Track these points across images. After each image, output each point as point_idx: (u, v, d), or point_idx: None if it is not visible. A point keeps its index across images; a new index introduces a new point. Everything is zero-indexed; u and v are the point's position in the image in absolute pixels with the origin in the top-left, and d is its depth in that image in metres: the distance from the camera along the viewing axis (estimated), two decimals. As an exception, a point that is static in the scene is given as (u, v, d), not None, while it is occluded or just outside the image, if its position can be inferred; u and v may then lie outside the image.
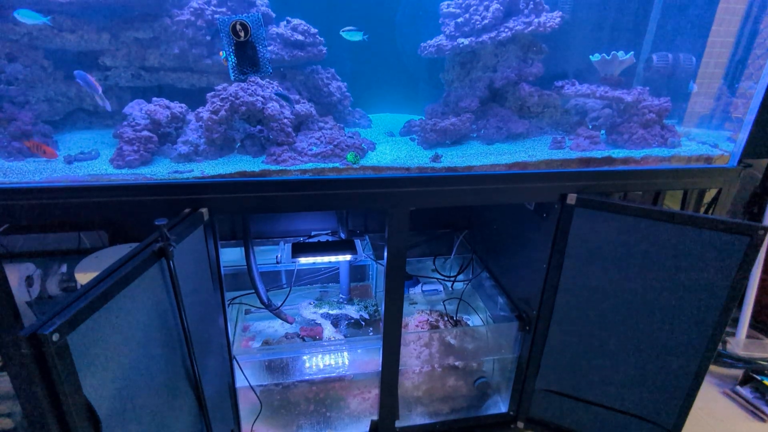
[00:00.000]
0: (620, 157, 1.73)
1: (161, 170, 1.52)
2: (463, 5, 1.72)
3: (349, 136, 1.68)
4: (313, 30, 1.73)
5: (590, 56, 1.82)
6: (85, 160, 1.54)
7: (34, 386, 0.99)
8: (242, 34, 1.32)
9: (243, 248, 2.07)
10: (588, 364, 1.91)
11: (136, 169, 1.52)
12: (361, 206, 1.63)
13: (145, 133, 1.53)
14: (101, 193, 1.43)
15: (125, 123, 1.56)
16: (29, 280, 1.93)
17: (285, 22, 1.73)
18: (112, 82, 1.68)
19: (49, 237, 2.33)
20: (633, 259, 1.68)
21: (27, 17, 1.41)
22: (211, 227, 1.56)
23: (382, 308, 2.45)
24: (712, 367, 2.69)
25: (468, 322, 2.49)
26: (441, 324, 2.37)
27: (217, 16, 1.63)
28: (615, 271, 1.72)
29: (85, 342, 1.05)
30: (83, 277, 1.67)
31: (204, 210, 1.51)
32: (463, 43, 1.68)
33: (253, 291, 2.14)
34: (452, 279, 2.67)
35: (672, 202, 2.35)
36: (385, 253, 1.75)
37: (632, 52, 1.77)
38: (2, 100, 1.50)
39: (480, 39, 1.68)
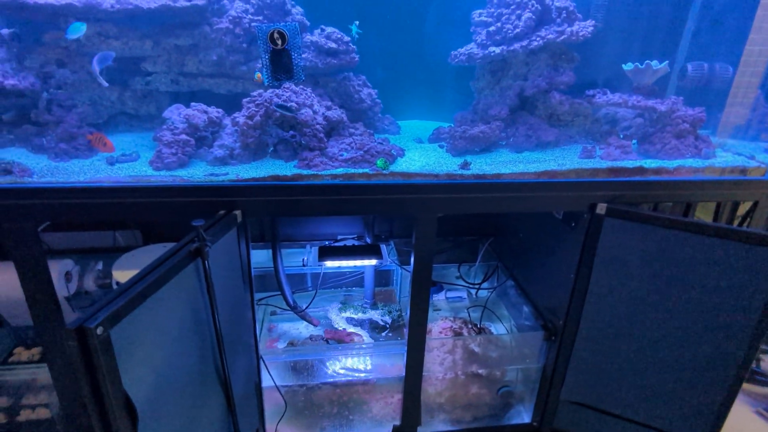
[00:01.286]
0: (652, 168, 1.70)
1: (198, 173, 1.57)
2: (495, 14, 1.73)
3: (379, 142, 1.70)
4: (346, 38, 1.76)
5: (623, 65, 1.80)
6: (126, 161, 1.60)
7: (79, 377, 1.03)
8: (279, 42, 1.36)
9: (270, 250, 2.11)
10: (615, 376, 1.87)
11: (174, 171, 1.57)
12: (389, 212, 1.64)
13: (183, 136, 1.58)
14: (141, 194, 1.49)
15: (164, 127, 1.61)
16: (68, 276, 2.00)
17: (319, 30, 1.77)
18: (153, 87, 1.74)
19: (85, 235, 2.42)
20: (664, 271, 1.65)
21: (73, 32, 1.48)
22: (243, 229, 1.60)
23: (405, 313, 2.46)
24: (746, 386, 2.61)
25: (492, 331, 2.47)
26: (465, 331, 2.36)
27: (254, 24, 1.68)
28: (645, 283, 1.69)
29: (126, 336, 1.09)
30: (120, 275, 1.73)
31: (238, 212, 1.55)
32: (494, 51, 1.69)
33: (279, 293, 2.18)
34: (477, 286, 2.66)
35: (703, 215, 2.30)
36: (412, 259, 1.76)
37: (667, 62, 1.75)
38: (51, 103, 1.58)
39: (511, 47, 1.68)
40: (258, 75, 1.57)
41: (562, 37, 1.67)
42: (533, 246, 2.24)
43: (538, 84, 1.75)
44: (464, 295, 2.71)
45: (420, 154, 1.80)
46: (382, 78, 2.03)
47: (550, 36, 1.68)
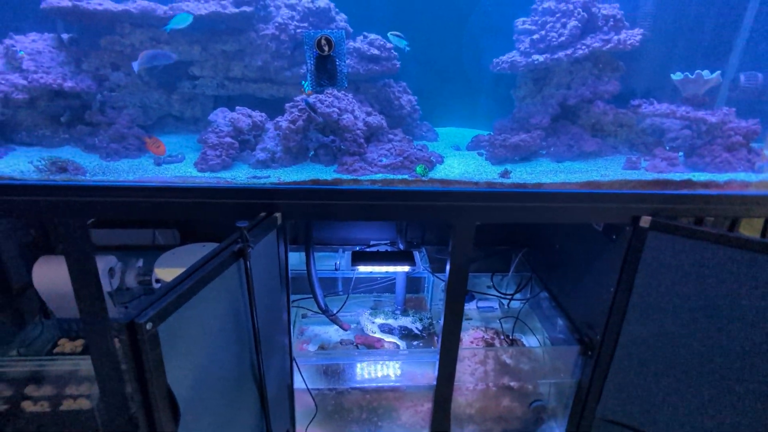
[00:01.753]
0: (701, 181, 1.64)
1: (240, 175, 1.61)
2: (539, 22, 1.71)
3: (419, 149, 1.70)
4: (389, 45, 1.77)
5: (672, 75, 1.75)
6: (173, 162, 1.65)
7: (128, 370, 1.06)
8: (326, 48, 1.39)
9: (303, 253, 2.13)
10: (656, 396, 1.81)
11: (218, 172, 1.61)
12: (427, 218, 1.64)
13: (228, 139, 1.62)
14: (186, 195, 1.53)
15: (210, 129, 1.66)
16: (111, 272, 2.07)
17: (362, 37, 1.79)
18: (199, 91, 1.79)
19: (126, 232, 2.50)
20: (712, 289, 1.59)
21: (179, 23, 1.51)
22: (283, 231, 1.62)
23: (436, 322, 2.45)
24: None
25: (524, 343, 2.43)
26: (496, 342, 2.33)
27: (299, 30, 1.71)
28: (691, 301, 1.63)
29: (172, 333, 1.12)
30: (162, 272, 1.78)
31: (278, 215, 1.57)
32: (537, 59, 1.67)
33: (311, 296, 2.20)
34: (509, 297, 2.62)
35: (747, 231, 2.20)
36: (448, 267, 1.75)
37: (719, 72, 1.69)
38: (104, 105, 1.64)
39: (555, 56, 1.66)
40: (302, 90, 1.60)
41: (609, 46, 1.64)
42: (570, 258, 2.19)
43: (581, 93, 1.71)
44: (496, 305, 2.67)
45: (459, 162, 1.79)
46: (420, 84, 2.04)
47: (596, 44, 1.65)
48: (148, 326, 1.03)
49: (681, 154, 1.82)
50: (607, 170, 1.72)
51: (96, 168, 1.56)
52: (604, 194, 1.64)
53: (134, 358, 1.06)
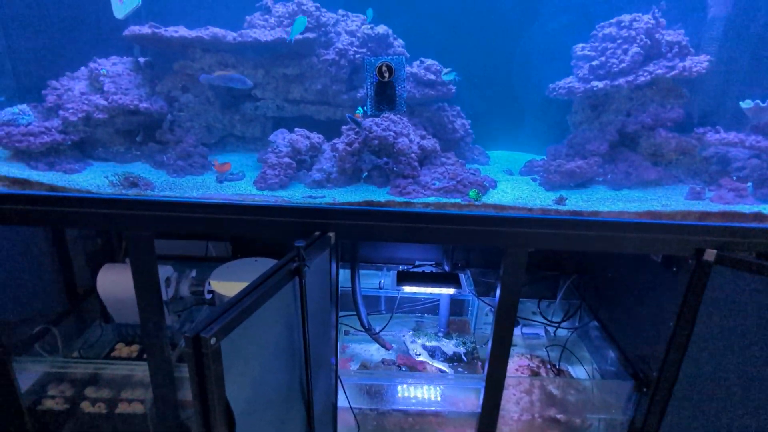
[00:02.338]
0: (773, 214, 1.56)
1: (296, 194, 1.65)
2: (599, 48, 1.69)
3: (472, 173, 1.70)
4: (446, 69, 1.80)
5: (741, 102, 1.68)
6: (233, 180, 1.72)
7: (190, 381, 1.10)
8: (387, 74, 1.42)
9: (348, 270, 2.15)
10: (719, 441, 1.70)
11: (276, 191, 1.66)
12: (479, 243, 1.63)
13: (286, 159, 1.68)
14: (245, 212, 1.59)
15: (269, 149, 1.72)
16: (168, 281, 2.16)
17: (418, 62, 1.82)
18: (260, 112, 1.87)
19: (181, 243, 2.61)
20: (785, 329, 1.49)
21: (297, 29, 1.58)
22: (335, 250, 1.65)
23: (480, 346, 2.40)
24: None
25: (572, 374, 2.34)
26: (543, 371, 2.26)
27: (358, 56, 1.76)
28: (760, 340, 1.53)
29: (232, 348, 1.15)
30: (217, 285, 1.85)
31: (332, 234, 1.60)
32: (597, 86, 1.64)
33: (355, 313, 2.21)
34: (556, 324, 2.54)
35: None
36: (497, 292, 1.73)
37: (793, 100, 1.61)
38: (174, 124, 1.74)
39: (616, 82, 1.63)
40: (357, 114, 1.65)
41: (673, 73, 1.59)
42: (624, 288, 2.11)
43: (642, 120, 1.67)
44: (541, 332, 2.60)
45: (512, 187, 1.77)
46: (472, 107, 2.05)
47: (659, 71, 1.61)
48: (212, 341, 1.07)
49: (750, 184, 1.74)
50: (669, 200, 1.66)
51: (163, 184, 1.65)
52: (665, 225, 1.58)
53: (197, 370, 1.10)
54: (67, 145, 1.65)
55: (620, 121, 1.72)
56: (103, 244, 2.36)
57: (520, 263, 1.65)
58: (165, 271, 2.15)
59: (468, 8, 1.93)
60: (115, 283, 2.02)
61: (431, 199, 1.63)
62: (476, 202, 1.62)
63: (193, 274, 2.29)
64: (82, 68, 1.77)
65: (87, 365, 2.03)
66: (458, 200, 1.62)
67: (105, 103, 1.63)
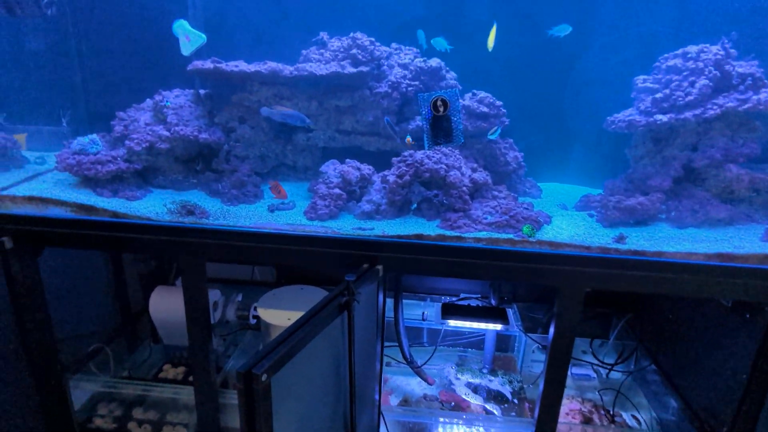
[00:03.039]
0: None
1: (345, 225, 1.65)
2: (663, 80, 1.62)
3: (525, 207, 1.65)
4: (498, 102, 1.77)
5: (823, 138, 1.57)
6: (284, 209, 1.74)
7: (240, 415, 1.09)
8: (441, 108, 1.41)
9: (392, 300, 2.11)
10: None
11: (325, 222, 1.67)
12: (532, 281, 1.57)
13: (337, 190, 1.68)
14: (295, 242, 1.60)
15: (320, 180, 1.74)
16: (215, 305, 2.19)
17: (471, 95, 1.81)
18: (312, 143, 1.90)
19: (227, 266, 2.65)
20: None
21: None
22: (383, 283, 1.63)
23: (527, 386, 2.29)
24: None
25: (627, 422, 2.19)
26: (595, 417, 2.12)
27: (410, 88, 1.77)
28: None
29: (282, 384, 1.14)
30: (264, 313, 1.86)
31: (380, 267, 1.58)
32: (660, 119, 1.57)
33: (397, 344, 2.16)
34: (609, 367, 2.39)
35: None
36: (551, 333, 1.64)
37: None
38: (230, 154, 1.79)
39: (681, 116, 1.55)
40: (408, 138, 1.64)
41: (746, 106, 1.50)
42: (687, 332, 1.97)
43: (711, 155, 1.58)
44: (592, 373, 2.45)
45: (567, 222, 1.71)
46: (523, 138, 2.00)
47: (730, 104, 1.52)
48: (263, 377, 1.07)
49: (834, 226, 1.59)
50: (742, 241, 1.54)
51: (218, 212, 1.69)
52: (737, 268, 1.47)
53: (247, 405, 1.09)
54: (130, 173, 1.73)
55: (685, 156, 1.63)
56: (156, 266, 2.43)
57: (576, 304, 1.57)
58: (213, 295, 2.18)
59: (520, 39, 1.91)
60: (166, 305, 2.08)
61: (483, 234, 1.59)
62: (530, 239, 1.56)
63: (239, 297, 2.32)
64: (148, 100, 1.86)
65: (135, 386, 2.07)
66: (511, 236, 1.57)
67: (167, 133, 1.70)
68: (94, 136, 1.76)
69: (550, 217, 1.70)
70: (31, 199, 1.63)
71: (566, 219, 1.74)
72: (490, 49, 1.60)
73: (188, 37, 1.59)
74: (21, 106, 1.87)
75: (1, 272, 1.64)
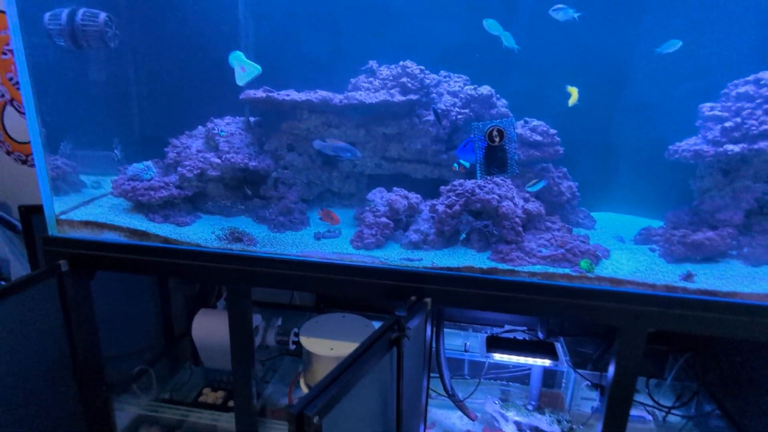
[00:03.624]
0: None
1: (392, 255, 1.62)
2: (733, 108, 1.53)
3: (582, 240, 1.57)
4: (552, 131, 1.72)
5: None
6: (330, 237, 1.72)
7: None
8: (497, 139, 1.37)
9: (433, 329, 2.04)
10: None
11: (371, 251, 1.64)
12: (591, 319, 1.48)
13: (384, 219, 1.65)
14: (342, 272, 1.57)
15: (367, 208, 1.71)
16: (256, 330, 2.18)
17: (523, 122, 1.76)
18: (358, 170, 1.89)
19: (267, 289, 2.65)
20: None
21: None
22: (431, 316, 1.58)
23: (578, 427, 2.16)
24: None
25: (690, 471, 2.02)
26: (655, 466, 1.97)
27: (460, 116, 1.74)
28: None
29: (333, 424, 1.10)
30: (307, 341, 1.83)
31: (428, 300, 1.53)
32: (732, 150, 1.47)
33: (438, 376, 2.08)
34: (666, 410, 2.23)
35: None
36: (610, 373, 1.54)
37: None
38: (278, 181, 1.80)
39: (756, 146, 1.45)
40: (456, 166, 1.60)
41: (829, 137, 1.39)
42: (760, 377, 1.81)
43: (789, 188, 1.46)
44: (648, 416, 2.29)
45: (627, 257, 1.61)
46: (573, 165, 1.92)
47: (811, 134, 1.41)
48: (315, 419, 1.03)
49: None
50: (827, 283, 1.41)
51: (265, 239, 1.69)
52: (823, 312, 1.34)
53: (295, 448, 1.06)
54: (180, 199, 1.75)
55: (760, 188, 1.52)
56: (200, 288, 2.46)
57: (638, 345, 1.47)
58: (254, 319, 2.18)
59: (570, 65, 1.85)
60: (208, 328, 2.08)
61: (537, 268, 1.51)
62: (589, 274, 1.48)
63: (279, 322, 2.30)
64: (200, 127, 1.90)
65: (176, 411, 2.07)
66: (568, 270, 1.50)
67: (219, 161, 1.72)
68: (149, 162, 1.80)
69: (608, 250, 1.62)
70: (87, 223, 1.68)
71: (625, 253, 1.65)
72: (570, 105, 1.59)
73: (244, 68, 1.62)
74: (82, 133, 1.94)
75: (57, 293, 1.68)
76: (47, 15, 1.65)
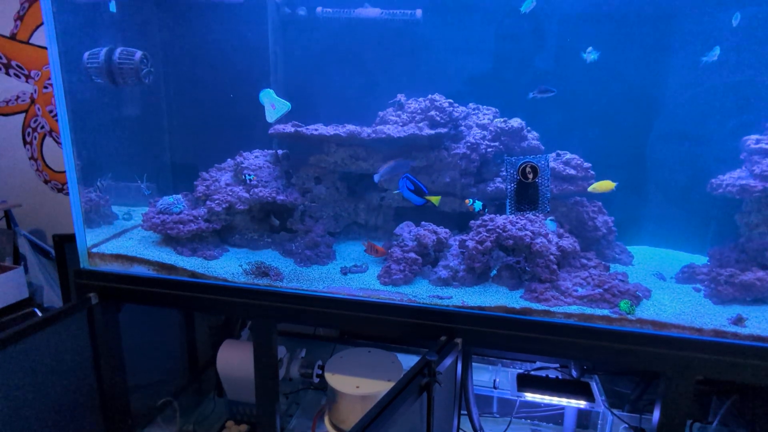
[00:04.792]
0: None
1: (420, 291, 1.57)
2: (781, 142, 1.46)
3: (620, 279, 1.50)
4: (586, 164, 1.66)
5: None
6: (357, 272, 1.69)
7: None
8: (530, 176, 1.33)
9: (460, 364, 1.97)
10: None
11: (399, 287, 1.60)
12: (632, 365, 1.40)
13: (412, 255, 1.62)
14: (369, 310, 1.53)
15: (395, 243, 1.68)
16: (280, 362, 2.15)
17: (555, 155, 1.71)
18: (386, 203, 1.86)
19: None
20: None
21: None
22: (462, 356, 1.52)
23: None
24: None
25: None
26: None
27: (489, 149, 1.70)
28: None
29: (362, 477, 1.05)
30: (332, 378, 1.78)
31: (459, 340, 1.48)
32: (782, 186, 1.39)
33: (466, 413, 2.00)
34: (714, 457, 2.08)
35: None
36: (655, 419, 1.44)
37: None
38: (304, 214, 1.79)
39: (808, 182, 1.37)
40: (466, 201, 1.57)
41: None
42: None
43: None
44: (693, 462, 2.14)
45: (669, 297, 1.53)
46: (607, 196, 1.86)
47: None
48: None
49: None
50: None
51: (291, 273, 1.67)
52: None
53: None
54: (209, 232, 1.76)
55: (813, 226, 1.43)
56: (225, 319, 2.45)
57: (684, 392, 1.38)
58: (279, 351, 2.15)
59: (604, 92, 1.81)
60: (233, 360, 2.06)
61: (573, 309, 1.45)
62: (629, 316, 1.40)
63: (302, 354, 2.27)
64: (229, 160, 1.92)
65: (200, 445, 2.04)
66: (607, 312, 1.42)
67: (247, 195, 1.73)
68: (179, 196, 1.82)
69: (649, 290, 1.53)
70: (117, 257, 1.70)
71: (668, 293, 1.56)
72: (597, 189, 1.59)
73: (274, 105, 1.63)
74: (114, 165, 1.99)
75: (86, 324, 1.69)
76: (86, 54, 1.71)
